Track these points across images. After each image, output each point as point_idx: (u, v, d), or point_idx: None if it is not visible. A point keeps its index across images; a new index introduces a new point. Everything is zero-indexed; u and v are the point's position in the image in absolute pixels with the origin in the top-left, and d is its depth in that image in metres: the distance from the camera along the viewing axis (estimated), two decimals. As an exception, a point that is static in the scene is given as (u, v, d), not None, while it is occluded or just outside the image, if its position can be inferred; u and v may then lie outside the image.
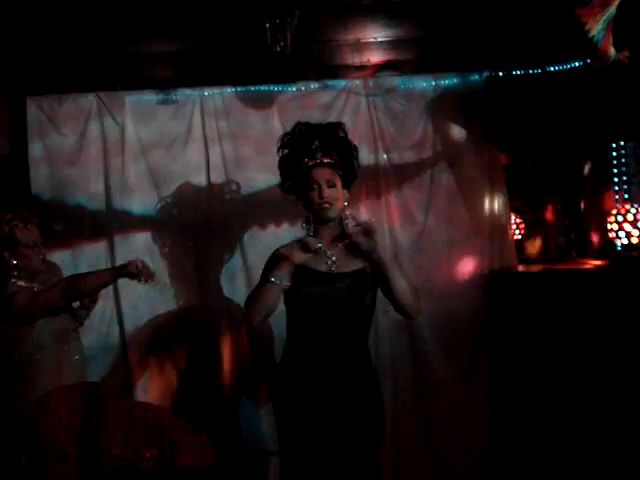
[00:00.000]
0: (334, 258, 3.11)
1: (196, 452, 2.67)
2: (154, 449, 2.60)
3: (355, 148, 3.29)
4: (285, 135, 3.27)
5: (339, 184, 3.14)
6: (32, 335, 3.30)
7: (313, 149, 3.16)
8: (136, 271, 3.26)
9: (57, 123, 4.44)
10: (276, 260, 3.12)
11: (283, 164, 3.25)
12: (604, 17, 2.93)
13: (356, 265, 3.11)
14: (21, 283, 3.35)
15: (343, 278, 3.08)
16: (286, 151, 3.24)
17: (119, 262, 4.36)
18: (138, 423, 2.68)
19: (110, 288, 4.25)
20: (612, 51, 3.13)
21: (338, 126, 3.27)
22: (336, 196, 3.11)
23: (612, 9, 2.90)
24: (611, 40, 3.08)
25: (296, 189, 3.23)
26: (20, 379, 3.28)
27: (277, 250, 3.19)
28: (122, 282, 3.94)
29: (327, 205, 3.08)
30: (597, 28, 2.95)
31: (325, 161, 3.14)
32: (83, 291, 3.39)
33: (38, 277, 3.45)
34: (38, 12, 3.65)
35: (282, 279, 3.00)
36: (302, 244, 3.03)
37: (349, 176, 3.24)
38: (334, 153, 3.18)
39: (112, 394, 2.89)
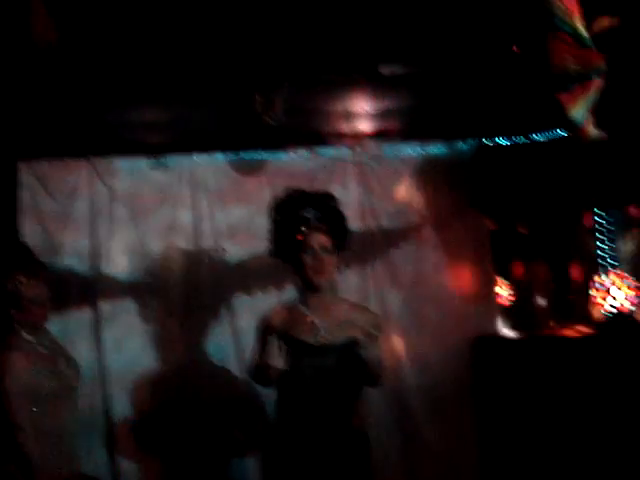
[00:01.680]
0: (323, 329, 3.12)
1: None
2: None
3: (345, 218, 3.34)
4: (277, 200, 3.32)
5: (333, 251, 3.19)
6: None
7: (307, 216, 3.20)
8: None
9: (48, 187, 4.46)
10: (266, 330, 3.15)
11: (275, 229, 3.29)
12: (584, 100, 3.02)
13: (346, 334, 3.13)
14: (25, 336, 3.32)
15: (333, 350, 3.09)
16: (277, 216, 3.28)
17: (106, 326, 4.41)
18: None
19: (96, 363, 4.33)
20: (592, 130, 3.22)
21: (330, 195, 3.35)
22: (330, 262, 3.16)
23: (592, 93, 3.00)
24: (592, 120, 3.17)
25: (287, 254, 3.26)
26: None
27: (265, 317, 3.24)
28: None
29: (321, 270, 3.13)
30: (578, 111, 3.04)
31: (320, 227, 3.19)
32: None
33: (43, 333, 3.44)
34: (31, 78, 3.72)
35: (277, 362, 3.01)
36: None
37: (341, 244, 3.28)
38: (327, 221, 3.23)
39: None
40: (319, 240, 3.16)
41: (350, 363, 3.10)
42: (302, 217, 3.20)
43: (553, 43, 2.88)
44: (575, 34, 2.78)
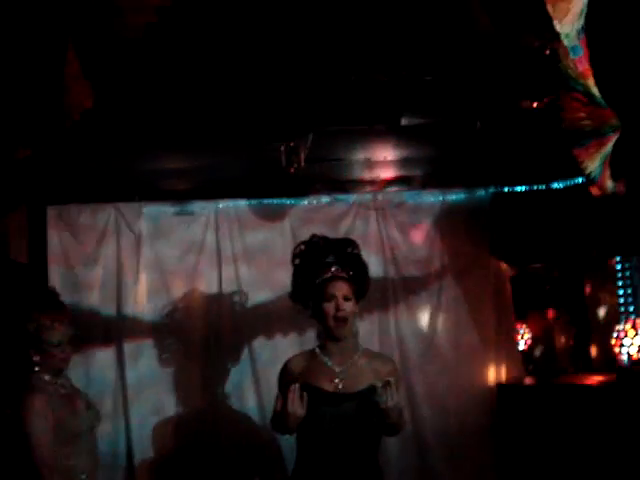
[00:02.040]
0: (342, 377, 3.14)
1: None
2: None
3: (366, 265, 3.36)
4: (300, 245, 3.35)
5: (353, 299, 3.19)
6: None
7: (329, 262, 3.21)
8: None
9: (75, 231, 4.57)
10: (286, 378, 3.18)
11: (297, 274, 3.31)
12: (600, 155, 3.06)
13: (365, 382, 3.13)
14: (46, 377, 3.31)
15: (351, 399, 3.08)
16: (300, 261, 3.31)
17: (128, 367, 4.47)
18: None
19: (119, 403, 4.38)
20: (609, 184, 3.25)
21: (352, 242, 3.36)
22: (351, 310, 3.16)
23: (608, 147, 3.04)
24: (608, 174, 3.20)
25: (308, 300, 3.28)
26: None
27: (286, 364, 3.27)
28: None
29: (343, 318, 3.12)
30: (594, 165, 3.08)
31: (342, 275, 3.21)
32: None
33: (62, 373, 3.43)
34: (60, 126, 3.82)
35: (297, 410, 3.02)
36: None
37: (361, 292, 3.30)
38: (349, 268, 3.25)
39: None
40: (341, 288, 3.17)
41: (368, 411, 3.12)
42: (324, 264, 3.22)
43: (567, 101, 2.93)
44: (588, 94, 2.83)
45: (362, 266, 3.33)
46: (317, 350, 3.25)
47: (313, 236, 3.36)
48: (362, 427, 3.11)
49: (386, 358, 3.55)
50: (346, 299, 3.15)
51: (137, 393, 4.50)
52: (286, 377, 3.22)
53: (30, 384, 3.29)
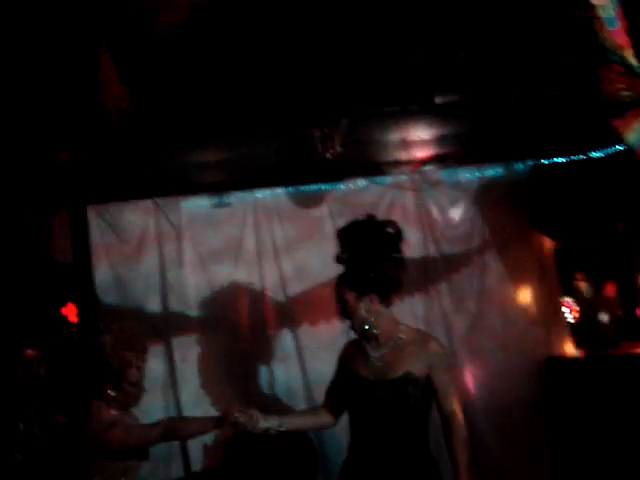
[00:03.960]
0: (377, 364, 3.10)
1: None
2: None
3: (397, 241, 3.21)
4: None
5: (351, 298, 3.08)
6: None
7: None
8: (234, 420, 3.24)
9: (117, 229, 4.63)
10: (339, 359, 3.24)
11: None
12: (638, 125, 3.02)
13: (401, 370, 3.06)
14: (114, 412, 3.23)
15: (384, 387, 3.05)
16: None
17: (176, 361, 4.54)
18: None
19: (170, 396, 4.48)
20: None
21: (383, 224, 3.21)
22: (350, 306, 3.08)
23: (646, 118, 3.00)
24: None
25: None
26: None
27: (343, 346, 3.29)
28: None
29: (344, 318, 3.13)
30: (634, 135, 3.04)
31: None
32: (183, 436, 3.36)
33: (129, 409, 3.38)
34: (98, 129, 3.86)
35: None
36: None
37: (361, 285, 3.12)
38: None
39: None
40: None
41: (403, 399, 3.09)
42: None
43: (604, 72, 2.89)
44: (625, 64, 2.79)
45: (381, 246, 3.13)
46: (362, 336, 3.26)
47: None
48: (397, 413, 3.09)
49: (429, 338, 3.31)
50: (339, 300, 3.11)
51: (186, 386, 4.56)
52: (339, 361, 3.24)
53: (100, 418, 3.21)
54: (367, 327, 3.17)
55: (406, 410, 3.10)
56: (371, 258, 3.13)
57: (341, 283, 3.14)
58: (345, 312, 3.11)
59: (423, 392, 3.14)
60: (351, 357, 3.18)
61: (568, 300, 5.11)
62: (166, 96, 3.79)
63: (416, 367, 3.09)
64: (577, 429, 4.51)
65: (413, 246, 4.69)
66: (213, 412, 4.46)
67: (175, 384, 4.57)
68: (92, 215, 4.63)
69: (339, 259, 3.11)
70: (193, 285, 4.61)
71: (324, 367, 3.36)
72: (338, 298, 3.12)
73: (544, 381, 4.70)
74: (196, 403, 4.54)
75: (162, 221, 4.63)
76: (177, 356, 4.56)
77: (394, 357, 3.11)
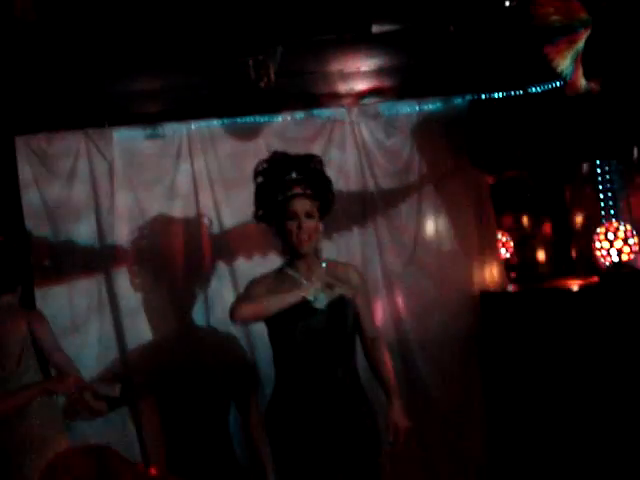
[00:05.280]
0: (311, 290, 3.11)
1: None
2: None
3: (330, 180, 3.32)
4: (262, 163, 3.29)
5: (317, 216, 3.17)
6: None
7: (291, 179, 3.18)
8: (68, 391, 3.22)
9: (46, 161, 4.45)
10: (267, 287, 3.20)
11: (260, 192, 3.27)
12: (571, 52, 3.00)
13: (335, 293, 3.14)
14: None
15: (322, 310, 3.09)
16: (262, 179, 3.26)
17: (111, 294, 4.46)
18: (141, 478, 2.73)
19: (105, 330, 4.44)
20: (582, 82, 3.19)
21: (314, 158, 3.30)
22: (314, 228, 3.15)
23: (579, 44, 2.98)
24: (581, 72, 3.14)
25: (271, 219, 3.26)
26: None
27: (253, 279, 3.29)
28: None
29: (306, 237, 3.11)
30: (565, 63, 3.02)
31: (305, 192, 3.17)
32: (5, 411, 3.26)
33: None
34: (26, 52, 3.70)
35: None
36: None
37: (325, 208, 3.26)
38: (311, 185, 3.20)
39: (118, 456, 2.92)
40: (304, 206, 3.14)
41: (340, 321, 3.15)
42: (286, 181, 3.17)
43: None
44: None
45: (325, 182, 3.28)
46: (285, 267, 3.25)
47: (274, 153, 3.32)
48: (336, 337, 3.14)
49: (349, 265, 3.57)
50: (308, 216, 3.13)
51: (120, 319, 4.47)
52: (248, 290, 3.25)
53: None
54: (319, 249, 3.20)
55: (344, 333, 3.18)
56: (327, 186, 3.24)
57: (311, 200, 3.16)
58: (309, 230, 3.12)
59: (354, 316, 3.22)
60: (275, 290, 3.16)
61: (503, 236, 5.17)
62: (98, 22, 3.63)
63: (346, 291, 3.17)
64: (510, 361, 4.60)
65: (351, 180, 4.68)
66: (149, 344, 4.50)
67: (106, 318, 4.49)
68: (20, 146, 4.43)
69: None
70: (126, 218, 4.49)
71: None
72: (307, 214, 3.12)
73: (479, 314, 4.78)
74: (132, 335, 4.48)
75: (93, 152, 4.47)
76: (109, 290, 4.47)
77: (325, 283, 3.15)
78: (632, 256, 4.46)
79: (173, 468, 4.39)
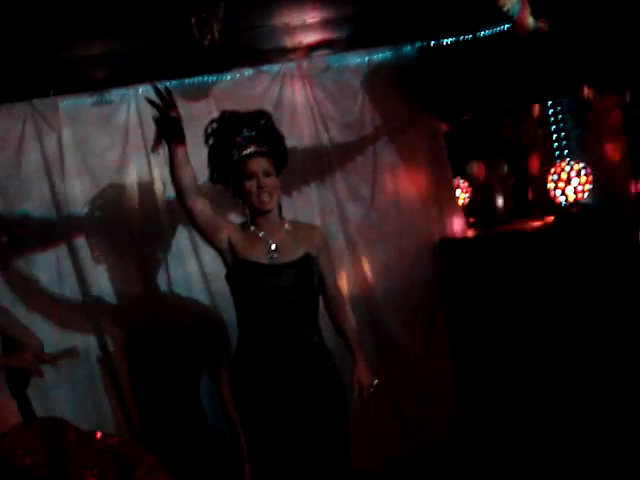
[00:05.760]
0: (274, 247, 3.13)
1: (150, 470, 2.73)
2: (114, 469, 2.66)
3: (282, 135, 3.29)
4: (211, 123, 3.24)
5: (274, 173, 3.15)
6: None
7: (244, 137, 3.14)
8: (28, 366, 3.20)
9: (-7, 135, 4.33)
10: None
11: (213, 154, 3.23)
12: (518, -8, 2.98)
13: (300, 251, 3.16)
14: None
15: (290, 268, 3.11)
16: (214, 140, 3.22)
17: (70, 266, 4.42)
18: (97, 448, 2.75)
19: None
20: (530, 22, 3.18)
21: (264, 113, 3.25)
22: (273, 185, 3.12)
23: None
24: (529, 12, 3.13)
25: (227, 180, 3.23)
26: None
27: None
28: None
29: (267, 195, 3.08)
30: (512, 3, 3.00)
31: (260, 150, 3.14)
32: None
33: None
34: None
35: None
36: None
37: (280, 164, 3.25)
38: (265, 141, 3.18)
39: (69, 425, 2.93)
40: (261, 164, 3.11)
41: (307, 279, 3.15)
42: (238, 141, 3.15)
43: None
44: None
45: (278, 137, 3.25)
46: (248, 224, 3.22)
47: (223, 112, 3.27)
48: (303, 294, 3.14)
49: (312, 225, 3.63)
50: (266, 174, 3.11)
51: (85, 288, 4.43)
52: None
53: None
54: (280, 206, 3.20)
55: (310, 291, 3.18)
56: (280, 141, 3.24)
57: (267, 158, 3.14)
58: (268, 188, 3.09)
59: (318, 274, 3.23)
60: (241, 244, 3.15)
61: (460, 182, 5.19)
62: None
63: (310, 249, 3.18)
64: (472, 306, 4.68)
65: (305, 135, 4.65)
66: (115, 310, 4.48)
67: (69, 289, 4.45)
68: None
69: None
70: (79, 188, 4.41)
71: (220, 260, 3.31)
72: (265, 172, 3.10)
73: (439, 262, 4.82)
74: (97, 304, 4.45)
75: (40, 123, 4.35)
76: (67, 263, 4.43)
77: (289, 241, 3.17)
78: (585, 194, 4.52)
79: (146, 432, 4.43)
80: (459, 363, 4.83)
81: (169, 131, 2.98)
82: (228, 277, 3.22)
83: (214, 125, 3.23)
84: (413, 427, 4.78)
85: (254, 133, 3.15)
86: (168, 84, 4.39)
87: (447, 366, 4.85)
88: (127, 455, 2.72)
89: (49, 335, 4.06)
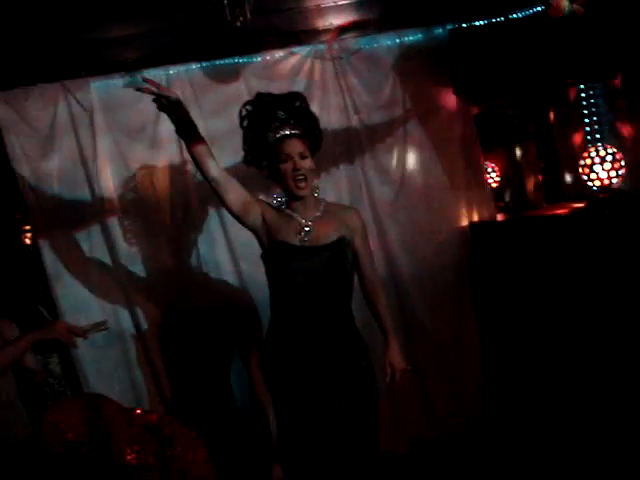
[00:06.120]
0: (307, 229, 3.13)
1: (189, 446, 2.77)
2: (154, 445, 2.70)
3: (317, 118, 3.27)
4: (245, 106, 3.22)
5: (309, 155, 3.14)
6: None
7: (279, 119, 3.13)
8: (60, 337, 3.24)
9: (26, 116, 4.36)
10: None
11: (248, 136, 3.21)
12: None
13: (334, 235, 3.14)
14: None
15: (322, 251, 3.10)
16: (248, 122, 3.20)
17: (104, 249, 4.46)
18: (137, 424, 2.78)
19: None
20: (565, 4, 3.14)
21: (299, 95, 3.24)
22: (309, 167, 3.12)
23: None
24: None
25: (262, 162, 3.22)
26: None
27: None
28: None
29: (302, 177, 3.07)
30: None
31: (295, 132, 3.14)
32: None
33: None
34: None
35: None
36: None
37: (315, 146, 3.24)
38: (300, 124, 3.17)
39: (110, 401, 2.97)
40: (296, 146, 3.10)
41: (340, 262, 3.15)
42: (274, 122, 3.13)
43: None
44: None
45: (313, 119, 3.24)
46: (283, 206, 3.22)
47: (258, 94, 3.24)
48: (335, 278, 3.14)
49: (348, 206, 3.60)
50: (302, 157, 3.09)
51: (115, 273, 4.50)
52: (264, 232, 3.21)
53: None
54: (317, 188, 3.19)
55: (342, 274, 3.16)
56: (315, 123, 3.22)
57: (302, 140, 3.13)
58: (305, 170, 3.09)
59: (353, 258, 3.22)
60: (275, 225, 3.16)
61: (490, 166, 5.15)
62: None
63: (345, 232, 3.17)
64: (501, 290, 4.65)
65: (335, 117, 4.63)
66: (146, 295, 4.52)
67: (105, 266, 4.50)
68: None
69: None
70: (111, 169, 4.45)
71: (250, 242, 3.32)
72: (300, 155, 3.09)
73: (468, 246, 4.80)
74: (131, 283, 4.51)
75: (73, 104, 4.39)
76: (100, 242, 4.48)
77: (323, 224, 3.15)
78: (618, 179, 4.46)
79: (176, 410, 4.48)
80: (488, 348, 4.82)
81: (176, 121, 3.01)
82: (263, 257, 3.23)
83: (248, 107, 3.21)
84: (439, 410, 4.80)
85: (289, 115, 3.14)
86: (199, 65, 4.47)
87: (475, 351, 4.85)
88: (167, 431, 2.75)
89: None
